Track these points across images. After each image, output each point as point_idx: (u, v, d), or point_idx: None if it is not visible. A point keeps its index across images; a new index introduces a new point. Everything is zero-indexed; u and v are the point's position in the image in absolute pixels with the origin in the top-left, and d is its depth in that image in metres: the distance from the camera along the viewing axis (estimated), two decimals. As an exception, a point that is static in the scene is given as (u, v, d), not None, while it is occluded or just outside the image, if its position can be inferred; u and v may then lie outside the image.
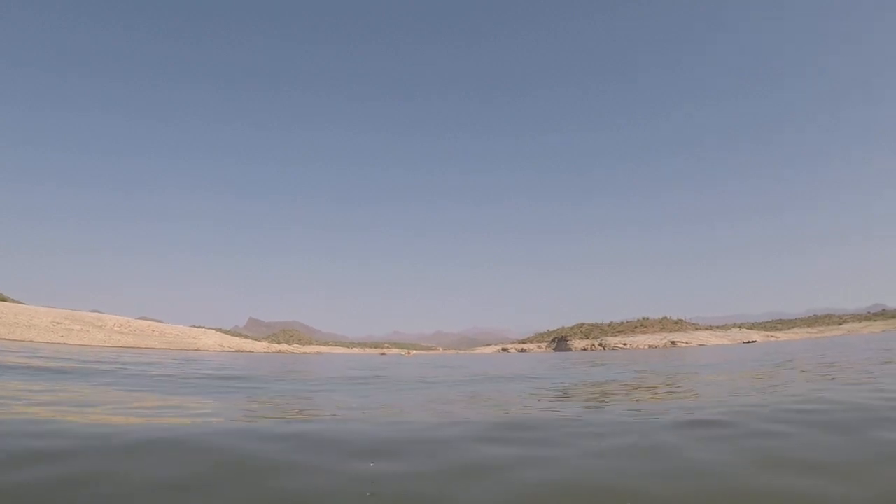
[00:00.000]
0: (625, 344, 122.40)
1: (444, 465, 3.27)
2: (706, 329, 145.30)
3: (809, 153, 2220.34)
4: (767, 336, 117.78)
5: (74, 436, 3.65)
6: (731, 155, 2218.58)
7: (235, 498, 2.67)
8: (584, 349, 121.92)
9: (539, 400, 7.28)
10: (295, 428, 4.55)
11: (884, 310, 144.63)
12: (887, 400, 5.30)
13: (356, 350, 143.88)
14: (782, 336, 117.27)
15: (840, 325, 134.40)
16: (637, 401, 6.83)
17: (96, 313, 61.29)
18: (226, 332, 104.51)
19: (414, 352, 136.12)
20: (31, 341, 35.54)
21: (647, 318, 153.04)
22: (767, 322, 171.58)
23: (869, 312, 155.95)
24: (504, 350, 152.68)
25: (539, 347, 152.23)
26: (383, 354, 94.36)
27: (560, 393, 8.25)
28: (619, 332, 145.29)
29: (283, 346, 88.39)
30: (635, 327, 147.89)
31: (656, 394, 7.57)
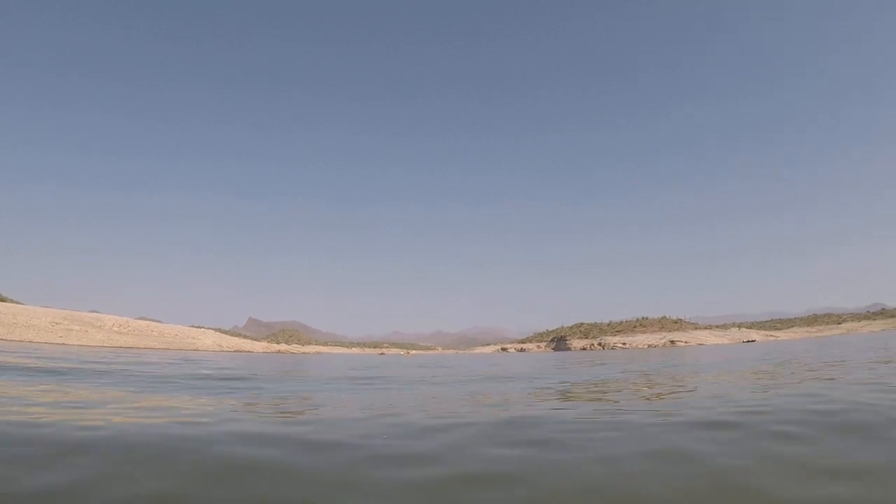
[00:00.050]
0: (624, 343, 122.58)
1: (446, 469, 3.18)
2: (705, 328, 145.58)
3: (809, 153, 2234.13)
4: (767, 335, 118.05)
5: (74, 437, 3.62)
6: (731, 155, 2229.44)
7: (235, 499, 2.66)
8: (584, 349, 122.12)
9: (542, 400, 7.17)
10: (294, 429, 4.48)
11: (883, 309, 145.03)
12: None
13: (355, 350, 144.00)
14: (782, 335, 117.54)
15: (839, 324, 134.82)
16: (645, 399, 6.71)
17: (95, 313, 61.25)
18: (225, 333, 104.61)
19: (413, 352, 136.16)
20: (30, 341, 35.46)
21: (647, 318, 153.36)
22: (767, 321, 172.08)
23: (868, 312, 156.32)
24: (503, 350, 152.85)
25: (538, 347, 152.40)
26: (383, 354, 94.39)
27: (561, 393, 8.15)
28: (618, 331, 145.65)
29: (283, 347, 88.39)
30: (634, 327, 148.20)
31: (661, 394, 7.45)
